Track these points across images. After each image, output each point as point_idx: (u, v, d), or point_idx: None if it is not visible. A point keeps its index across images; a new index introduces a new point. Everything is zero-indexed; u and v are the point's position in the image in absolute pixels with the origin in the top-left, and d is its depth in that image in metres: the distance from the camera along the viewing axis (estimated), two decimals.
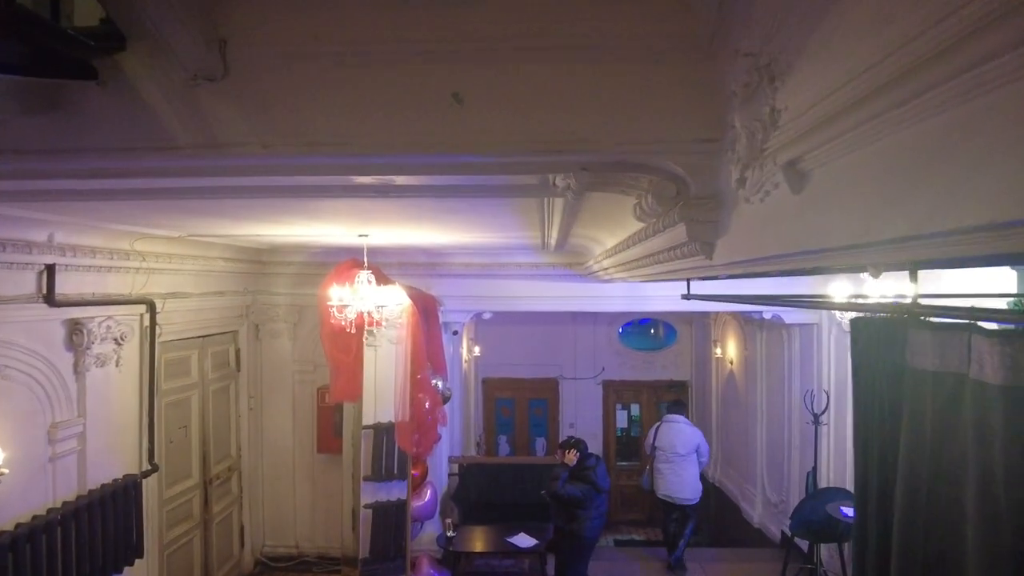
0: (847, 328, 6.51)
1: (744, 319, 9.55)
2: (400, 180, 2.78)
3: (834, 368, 6.98)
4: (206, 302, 6.20)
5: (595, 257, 5.33)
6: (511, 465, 8.48)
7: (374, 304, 4.68)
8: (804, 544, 6.66)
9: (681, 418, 7.81)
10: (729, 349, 10.42)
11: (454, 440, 8.72)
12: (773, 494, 8.61)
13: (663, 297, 7.22)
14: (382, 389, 6.20)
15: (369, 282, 4.73)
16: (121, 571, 4.56)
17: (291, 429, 7.33)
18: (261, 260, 7.12)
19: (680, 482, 7.22)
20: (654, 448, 7.47)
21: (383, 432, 7.01)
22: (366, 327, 4.89)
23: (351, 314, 4.63)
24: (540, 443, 12.78)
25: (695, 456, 7.36)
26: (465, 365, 10.51)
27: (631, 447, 13.00)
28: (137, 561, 4.79)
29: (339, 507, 7.04)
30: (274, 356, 7.34)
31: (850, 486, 6.67)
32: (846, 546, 6.22)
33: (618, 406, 12.91)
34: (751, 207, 1.87)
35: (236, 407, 6.95)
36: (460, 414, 9.33)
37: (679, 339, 12.75)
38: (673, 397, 12.68)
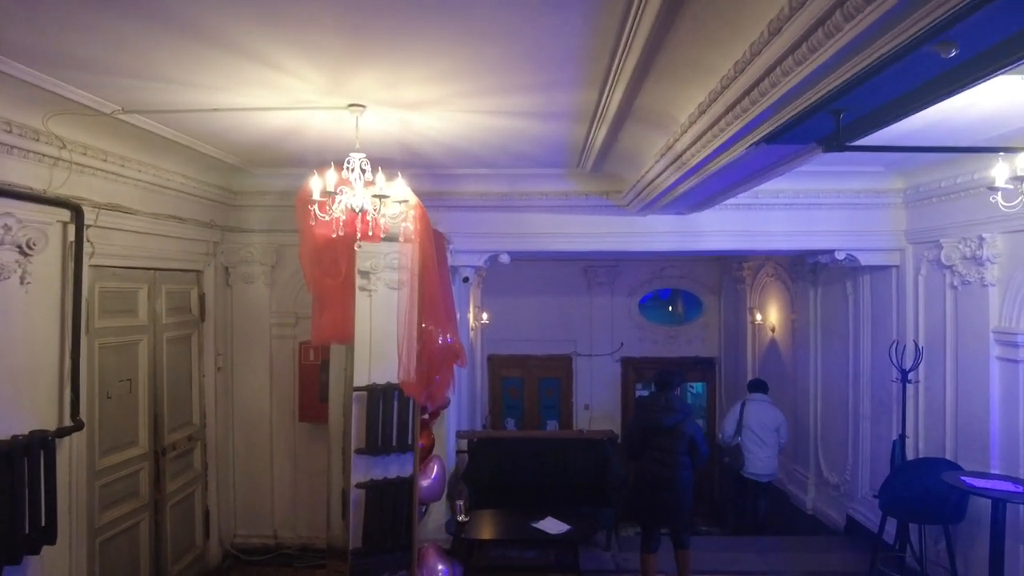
0: (950, 261, 5.32)
1: (793, 277, 8.35)
2: None
3: (924, 315, 5.79)
4: (159, 226, 4.94)
5: (658, 152, 4.10)
6: (531, 440, 7.23)
7: (371, 198, 3.43)
8: (884, 527, 5.46)
9: (766, 397, 7.68)
10: (770, 315, 9.23)
11: (460, 420, 7.48)
12: (832, 475, 7.42)
13: (721, 233, 6.02)
14: (379, 343, 4.95)
15: (363, 170, 3.49)
16: (18, 561, 3.29)
17: (268, 393, 6.07)
18: (232, 189, 5.87)
19: (766, 460, 7.28)
20: (741, 427, 7.38)
21: (380, 395, 5.77)
22: (359, 239, 3.63)
23: (339, 210, 3.39)
24: (551, 426, 11.54)
25: (777, 435, 7.37)
26: (472, 333, 9.27)
27: None
28: (48, 549, 3.52)
29: (326, 487, 5.78)
30: (248, 305, 6.08)
31: (950, 454, 5.49)
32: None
33: (637, 386, 11.70)
34: None
35: (200, 364, 5.69)
36: (466, 392, 8.08)
37: (705, 311, 11.56)
38: (699, 375, 11.59)
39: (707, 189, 4.76)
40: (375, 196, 3.38)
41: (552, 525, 5.58)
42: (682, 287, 11.69)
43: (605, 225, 5.98)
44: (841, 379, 7.23)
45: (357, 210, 3.41)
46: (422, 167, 5.39)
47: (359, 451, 5.75)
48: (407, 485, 5.12)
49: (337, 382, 5.67)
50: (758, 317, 9.46)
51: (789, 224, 6.01)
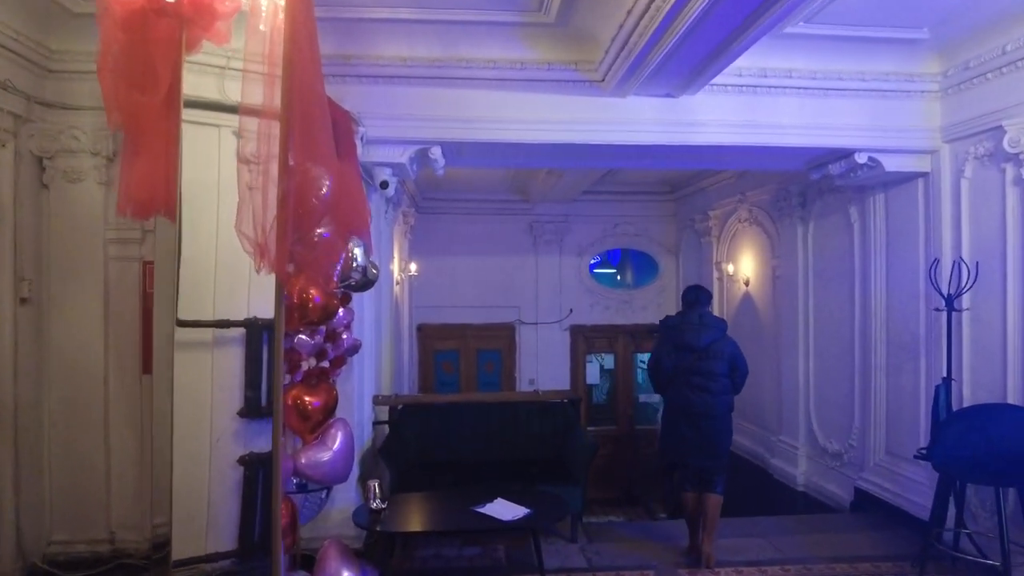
0: (1018, 147, 4.13)
1: (776, 215, 7.15)
2: None
3: (970, 228, 4.62)
4: None
5: None
6: (471, 406, 5.65)
7: None
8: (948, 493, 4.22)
9: None
10: (743, 265, 8.02)
11: (379, 389, 5.87)
12: (831, 443, 6.22)
13: (719, 124, 4.68)
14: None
15: None
16: None
17: (101, 335, 4.28)
18: (49, 46, 4.09)
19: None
20: None
21: (261, 334, 4.14)
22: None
23: None
24: None
25: None
26: (396, 288, 7.64)
27: (605, 408, 10.47)
28: None
29: (188, 466, 4.06)
30: (72, 213, 4.27)
31: (1013, 397, 4.31)
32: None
33: (589, 357, 10.35)
34: None
35: None
36: (384, 353, 6.52)
37: (662, 274, 10.32)
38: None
39: (711, 31, 3.43)
40: None
41: (504, 509, 4.05)
42: (637, 247, 10.43)
43: (574, 108, 4.50)
44: (842, 327, 6.04)
45: None
46: (319, 5, 3.76)
47: (241, 414, 4.17)
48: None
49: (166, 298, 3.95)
50: (729, 269, 8.24)
51: (802, 115, 4.72)
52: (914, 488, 5.04)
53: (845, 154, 4.94)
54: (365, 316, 4.91)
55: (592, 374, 10.33)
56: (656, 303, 10.23)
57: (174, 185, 2.60)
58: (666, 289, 10.23)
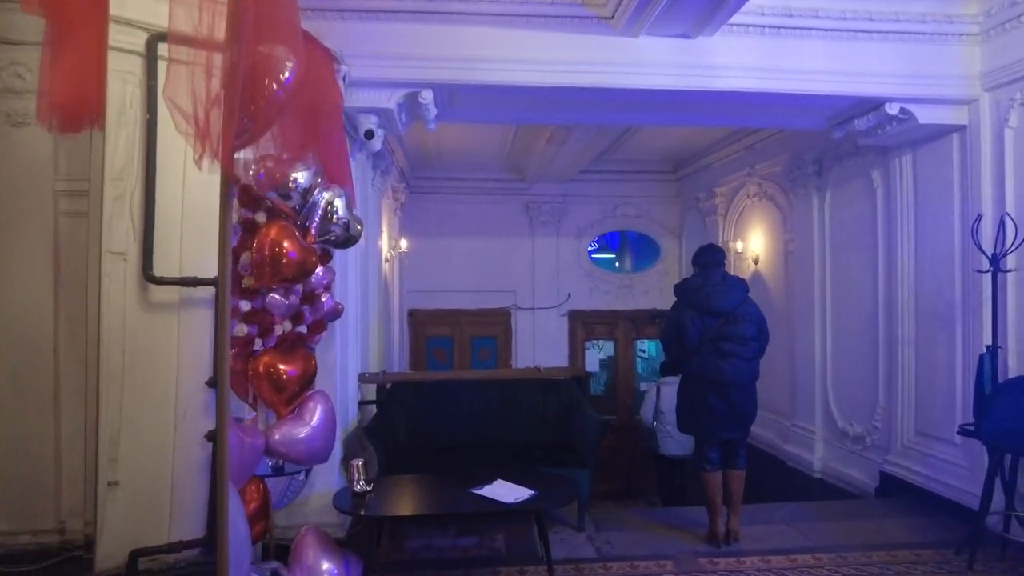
0: None
1: (788, 186, 6.74)
2: None
3: (1016, 181, 4.20)
4: None
5: None
6: (467, 384, 5.16)
7: None
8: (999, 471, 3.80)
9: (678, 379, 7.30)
10: (753, 242, 7.61)
11: (367, 367, 5.40)
12: (852, 425, 5.81)
13: (739, 68, 4.25)
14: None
15: None
16: None
17: (50, 302, 3.80)
18: None
19: (683, 441, 6.96)
20: (657, 411, 7.25)
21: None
22: None
23: None
24: None
25: None
26: (386, 266, 7.18)
27: (605, 398, 10.03)
28: None
29: (150, 443, 3.59)
30: (16, 161, 3.79)
31: None
32: None
33: (586, 344, 9.91)
34: None
35: None
36: (369, 340, 6.08)
37: (664, 257, 9.89)
38: (656, 332, 9.90)
39: None
40: None
41: (505, 491, 3.59)
42: (638, 229, 9.99)
43: (581, 48, 4.05)
44: (864, 300, 5.63)
45: None
46: None
47: (210, 384, 3.72)
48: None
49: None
50: (737, 247, 7.82)
51: (829, 60, 4.29)
52: (950, 471, 4.62)
53: (874, 105, 4.51)
54: (349, 280, 4.45)
55: (591, 362, 9.89)
56: (658, 287, 9.80)
57: (104, 91, 2.14)
58: (668, 273, 9.79)
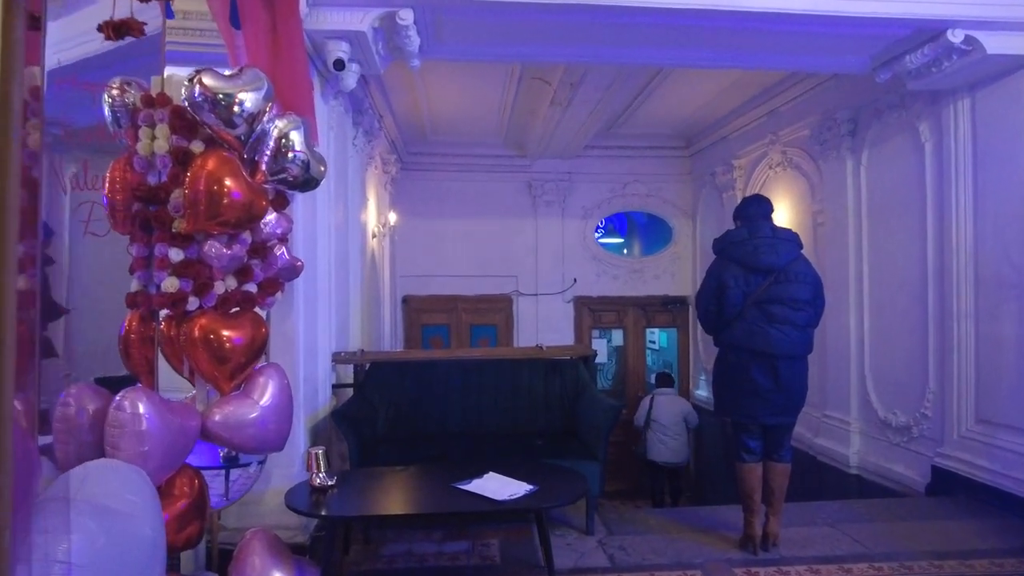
0: None
1: (818, 151, 6.06)
2: None
3: None
4: None
5: None
6: (457, 364, 4.47)
7: None
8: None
9: (672, 390, 7.79)
10: (776, 217, 6.85)
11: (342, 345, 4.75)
12: (895, 414, 5.12)
13: None
14: None
15: None
16: None
17: None
18: None
19: (677, 449, 7.30)
20: (649, 420, 7.32)
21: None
22: None
23: None
24: None
25: (685, 423, 7.37)
26: (373, 242, 6.54)
27: (614, 390, 9.38)
28: None
29: None
30: None
31: None
32: None
33: (594, 332, 9.26)
34: None
35: None
36: (351, 317, 5.44)
37: (676, 239, 9.22)
38: (667, 320, 9.26)
39: None
40: None
41: (498, 486, 2.94)
42: (648, 209, 9.33)
43: None
44: (910, 271, 4.95)
45: None
46: None
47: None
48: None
49: None
50: None
51: None
52: (1022, 464, 3.95)
53: (933, 33, 3.84)
54: (319, 237, 3.81)
55: (599, 352, 9.23)
56: (670, 271, 9.15)
57: None
58: (681, 256, 9.13)
